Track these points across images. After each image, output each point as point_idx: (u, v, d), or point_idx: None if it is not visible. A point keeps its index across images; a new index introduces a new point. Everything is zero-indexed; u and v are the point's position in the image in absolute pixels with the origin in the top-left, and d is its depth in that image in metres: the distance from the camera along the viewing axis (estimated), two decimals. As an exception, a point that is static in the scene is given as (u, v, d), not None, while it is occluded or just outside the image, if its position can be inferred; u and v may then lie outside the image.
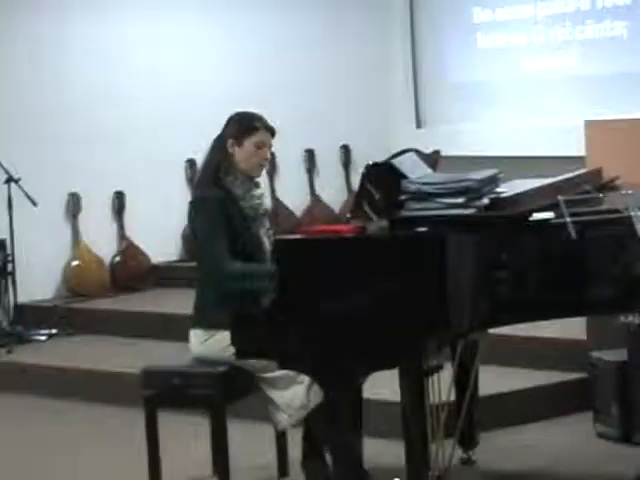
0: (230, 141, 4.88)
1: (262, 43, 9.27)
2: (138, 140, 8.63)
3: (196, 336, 4.91)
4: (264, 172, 5.34)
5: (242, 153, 4.87)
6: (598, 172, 5.10)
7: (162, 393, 4.97)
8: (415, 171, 4.73)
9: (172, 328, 6.72)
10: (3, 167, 7.87)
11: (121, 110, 8.67)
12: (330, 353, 4.41)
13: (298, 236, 4.99)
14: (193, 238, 5.51)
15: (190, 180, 8.51)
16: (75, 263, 8.52)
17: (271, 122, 4.97)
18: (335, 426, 4.54)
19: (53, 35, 8.64)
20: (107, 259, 8.67)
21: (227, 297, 4.82)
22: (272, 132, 4.98)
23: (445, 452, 4.90)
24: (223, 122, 5.02)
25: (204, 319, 4.92)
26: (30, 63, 8.56)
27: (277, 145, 5.14)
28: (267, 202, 5.86)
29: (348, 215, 5.31)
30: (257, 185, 5.11)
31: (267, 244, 4.91)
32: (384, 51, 9.90)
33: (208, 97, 8.80)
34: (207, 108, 8.16)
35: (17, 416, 6.72)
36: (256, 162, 4.95)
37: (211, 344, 4.82)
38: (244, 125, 4.95)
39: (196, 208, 4.97)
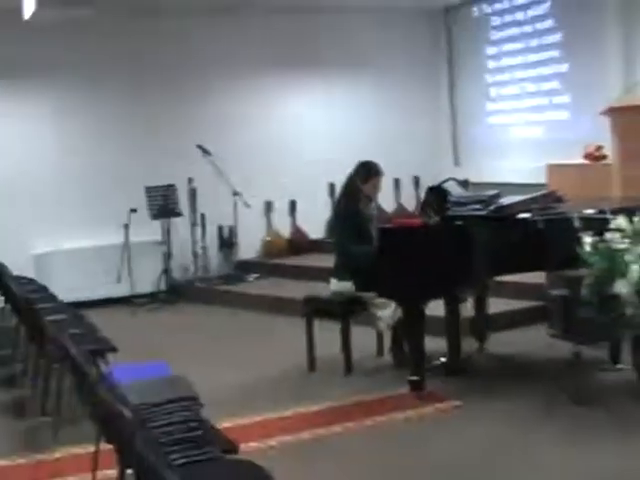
0: (358, 180, 7.35)
1: (366, 110, 12.83)
2: (306, 168, 12.07)
3: (334, 281, 7.41)
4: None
5: (366, 187, 7.36)
6: (554, 192, 7.38)
7: (315, 309, 7.59)
8: (454, 191, 7.15)
9: (321, 275, 8.40)
10: (231, 186, 11.23)
11: (304, 147, 12.33)
12: (408, 289, 6.52)
13: (390, 225, 7.39)
14: (334, 227, 8.12)
15: (330, 194, 11.73)
16: (268, 238, 12.17)
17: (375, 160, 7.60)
18: (409, 329, 6.74)
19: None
20: (285, 236, 12.13)
21: (350, 262, 7.17)
22: (382, 174, 7.47)
23: (469, 344, 7.52)
24: (350, 160, 7.67)
25: (338, 273, 7.38)
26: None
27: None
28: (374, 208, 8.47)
29: (417, 214, 7.59)
30: (371, 201, 7.67)
31: (373, 232, 7.13)
32: (435, 118, 13.33)
33: (341, 143, 12.05)
34: (341, 150, 11.18)
35: (235, 319, 10.10)
36: (373, 192, 7.52)
37: (341, 285, 7.24)
38: (367, 171, 7.43)
39: (345, 213, 7.45)
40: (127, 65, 11.45)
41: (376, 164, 7.49)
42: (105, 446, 4.15)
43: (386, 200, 11.92)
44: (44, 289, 8.91)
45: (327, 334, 7.57)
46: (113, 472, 4.28)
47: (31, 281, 9.34)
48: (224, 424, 5.38)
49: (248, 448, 5.09)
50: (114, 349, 6.29)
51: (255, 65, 12.00)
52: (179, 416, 4.20)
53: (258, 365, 7.78)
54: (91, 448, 4.69)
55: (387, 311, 7.11)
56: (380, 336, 7.67)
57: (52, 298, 8.37)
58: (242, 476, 3.82)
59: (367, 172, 7.42)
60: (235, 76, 11.94)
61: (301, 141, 12.31)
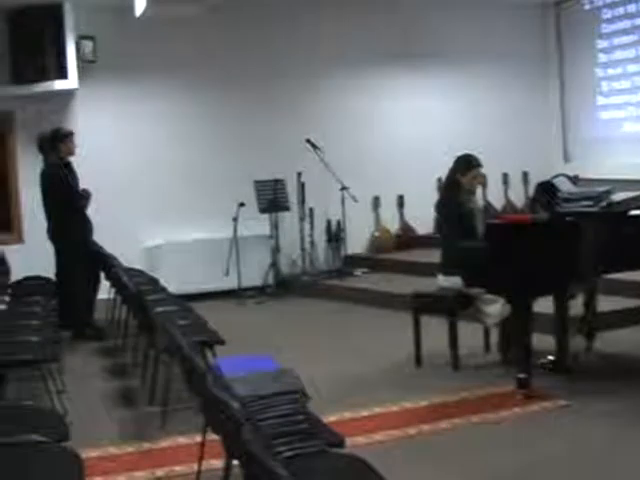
0: (458, 174, 7.37)
1: (476, 105, 12.83)
2: (414, 163, 12.19)
3: (441, 277, 7.44)
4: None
5: (466, 179, 7.35)
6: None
7: (423, 305, 7.56)
8: (564, 187, 6.99)
9: (429, 270, 8.38)
10: (339, 180, 11.21)
11: (413, 142, 12.35)
12: (516, 285, 6.43)
13: (498, 221, 7.19)
14: (439, 221, 8.25)
15: (438, 189, 11.47)
16: (376, 233, 12.14)
17: (479, 155, 7.52)
18: (517, 326, 6.61)
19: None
20: (393, 231, 12.07)
21: (456, 257, 7.13)
22: (481, 166, 7.42)
23: (578, 343, 7.38)
24: (453, 153, 7.69)
25: (445, 269, 7.39)
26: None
27: (487, 170, 7.73)
28: (480, 203, 8.51)
29: (526, 210, 7.56)
30: (473, 194, 7.62)
31: (480, 227, 7.13)
32: (544, 113, 13.17)
33: (450, 138, 11.82)
34: (450, 145, 10.70)
35: (342, 314, 10.13)
36: (474, 184, 7.48)
37: (449, 280, 7.24)
38: (466, 163, 7.42)
39: (445, 206, 7.49)
40: (237, 59, 11.57)
41: (475, 156, 7.47)
42: (212, 437, 4.18)
43: (495, 196, 11.86)
44: (154, 281, 9.08)
45: (434, 329, 7.53)
46: (219, 463, 4.31)
47: (141, 273, 9.53)
48: (330, 418, 5.39)
49: (353, 442, 5.06)
50: (222, 341, 6.33)
51: (366, 59, 12.02)
52: (285, 409, 4.19)
53: (364, 360, 7.79)
54: (198, 438, 4.77)
55: (495, 307, 7.05)
56: (487, 332, 7.62)
57: (162, 290, 8.51)
58: (348, 470, 3.81)
59: (466, 164, 7.42)
60: (345, 70, 11.97)
61: (410, 136, 12.25)
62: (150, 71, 11.27)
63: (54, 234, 9.19)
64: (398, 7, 11.97)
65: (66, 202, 9.04)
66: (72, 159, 9.26)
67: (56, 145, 9.14)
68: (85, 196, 9.19)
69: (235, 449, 3.44)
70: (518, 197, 12.56)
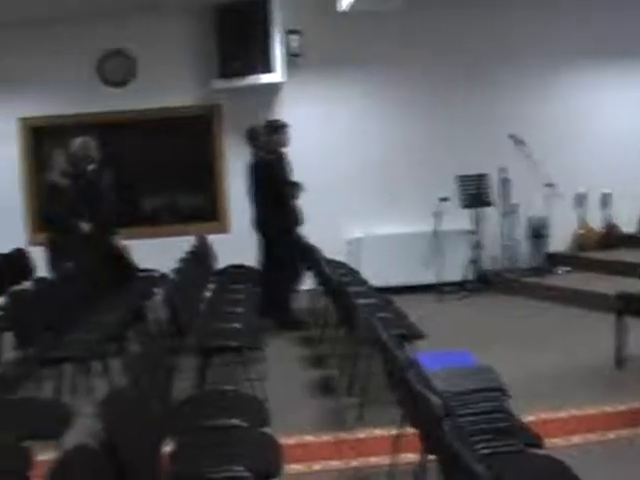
0: None
1: None
2: (622, 160, 11.62)
3: None
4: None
5: None
6: None
7: (628, 306, 7.27)
8: None
9: (634, 271, 8.45)
10: (545, 176, 11.02)
11: (620, 139, 11.76)
12: None
13: None
14: None
15: None
16: (580, 231, 11.80)
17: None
18: None
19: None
20: (598, 229, 11.70)
21: None
22: None
23: None
24: None
25: None
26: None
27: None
28: None
29: None
30: None
31: None
32: None
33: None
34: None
35: (542, 312, 9.91)
36: None
37: None
38: None
39: None
40: (438, 55, 11.48)
41: None
42: (408, 430, 4.19)
43: None
44: (355, 273, 9.16)
45: (637, 332, 7.23)
46: (414, 457, 4.32)
47: (343, 265, 9.64)
48: (528, 417, 5.31)
49: (551, 444, 4.94)
50: (421, 335, 6.33)
51: (572, 55, 11.68)
52: (484, 406, 4.16)
53: (562, 360, 7.62)
54: (394, 431, 4.78)
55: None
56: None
57: (362, 282, 8.58)
58: (546, 471, 3.75)
59: None
60: (551, 66, 11.68)
61: (617, 130, 11.86)
62: (354, 65, 11.35)
63: (261, 224, 9.41)
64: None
65: (276, 193, 9.24)
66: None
67: (271, 136, 9.37)
68: (296, 188, 9.38)
69: (433, 444, 3.45)
70: None
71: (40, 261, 9.46)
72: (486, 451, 3.71)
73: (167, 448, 4.12)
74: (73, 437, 4.57)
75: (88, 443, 3.06)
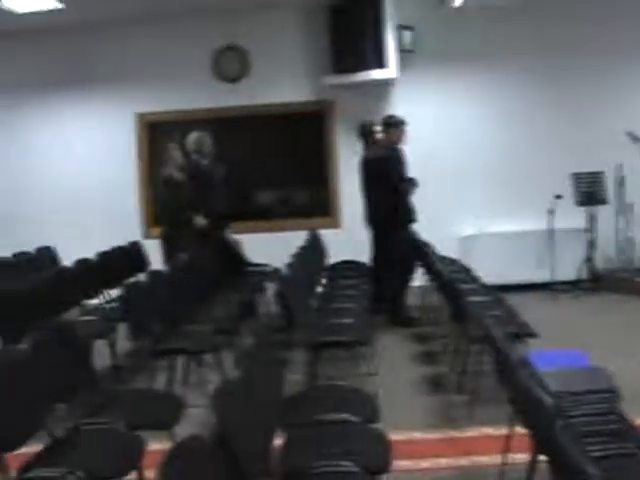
0: None
1: None
2: None
3: None
4: None
5: None
6: None
7: None
8: None
9: None
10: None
11: None
12: None
13: None
14: None
15: None
16: None
17: None
18: None
19: None
20: None
21: None
22: None
23: None
24: None
25: None
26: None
27: None
28: None
29: None
30: None
31: None
32: None
33: None
34: None
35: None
36: None
37: None
38: None
39: None
40: (552, 50, 11.26)
41: None
42: (519, 430, 4.16)
43: None
44: (467, 270, 9.10)
45: None
46: (524, 457, 4.27)
47: (455, 262, 9.59)
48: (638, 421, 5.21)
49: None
50: (533, 334, 6.26)
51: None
52: (599, 408, 4.10)
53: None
54: (504, 430, 4.75)
55: None
56: None
57: (474, 279, 8.53)
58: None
59: None
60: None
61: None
62: (467, 61, 11.26)
63: (374, 220, 9.43)
64: None
65: (391, 189, 9.24)
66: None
67: (388, 131, 9.38)
68: (411, 184, 9.38)
69: (544, 444, 3.41)
70: None
71: (155, 254, 9.65)
72: (598, 453, 3.65)
73: (278, 441, 4.17)
74: (184, 428, 4.68)
75: (201, 434, 3.12)
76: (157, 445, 4.52)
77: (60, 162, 11.92)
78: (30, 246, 10.38)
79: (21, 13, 10.25)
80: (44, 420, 4.52)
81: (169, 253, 9.26)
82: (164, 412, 4.86)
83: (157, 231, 9.96)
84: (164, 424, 4.74)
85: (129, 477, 4.16)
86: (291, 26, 11.48)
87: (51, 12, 10.31)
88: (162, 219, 9.92)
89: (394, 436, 4.55)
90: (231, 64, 11.59)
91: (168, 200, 9.51)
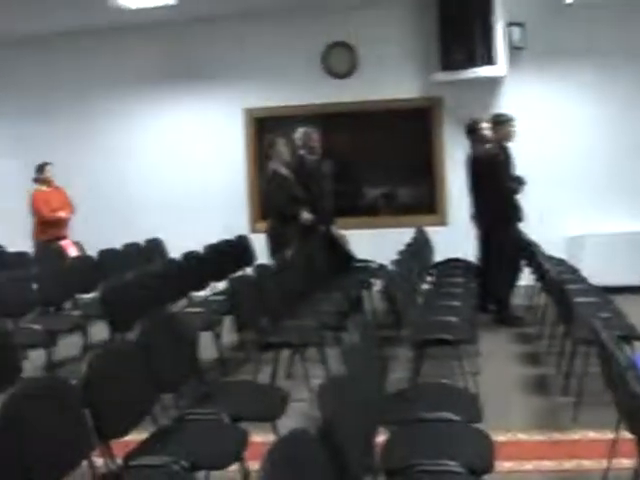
0: None
1: None
2: None
3: None
4: None
5: None
6: None
7: None
8: None
9: None
10: None
11: None
12: None
13: None
14: None
15: None
16: None
17: None
18: None
19: None
20: None
21: None
22: None
23: None
24: None
25: None
26: None
27: None
28: None
29: None
30: None
31: None
32: None
33: None
34: None
35: None
36: None
37: None
38: None
39: None
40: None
41: None
42: (625, 435, 4.10)
43: None
44: (575, 271, 8.98)
45: None
46: (630, 462, 4.21)
47: (562, 262, 9.47)
48: None
49: None
50: (642, 337, 6.16)
51: None
52: None
53: None
54: (610, 434, 4.68)
55: None
56: None
57: (582, 280, 8.41)
58: None
59: None
60: None
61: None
62: (578, 59, 11.07)
63: (481, 218, 9.36)
64: None
65: (498, 187, 9.15)
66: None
67: (496, 129, 9.30)
68: (519, 182, 9.30)
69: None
70: None
71: (262, 248, 9.74)
72: None
73: (381, 438, 4.18)
74: (287, 421, 4.72)
75: (305, 428, 3.15)
76: (260, 437, 4.57)
77: (170, 156, 12.15)
78: (140, 238, 10.62)
79: (134, 9, 10.48)
80: (150, 409, 4.63)
81: (275, 248, 9.33)
82: (268, 404, 4.91)
83: (264, 225, 10.05)
84: (268, 416, 4.79)
85: (232, 468, 4.23)
86: (400, 22, 11.48)
87: (163, 8, 10.51)
88: (268, 214, 10.00)
89: (497, 437, 4.52)
90: (340, 60, 11.64)
91: (274, 195, 9.58)
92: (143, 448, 4.26)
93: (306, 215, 9.41)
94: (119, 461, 4.12)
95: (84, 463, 3.93)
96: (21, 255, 10.21)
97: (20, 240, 10.68)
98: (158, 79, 12.07)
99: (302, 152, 9.77)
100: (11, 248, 10.68)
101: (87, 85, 12.26)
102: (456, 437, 4.15)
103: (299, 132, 9.83)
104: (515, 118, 9.45)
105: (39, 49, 12.26)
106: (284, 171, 9.56)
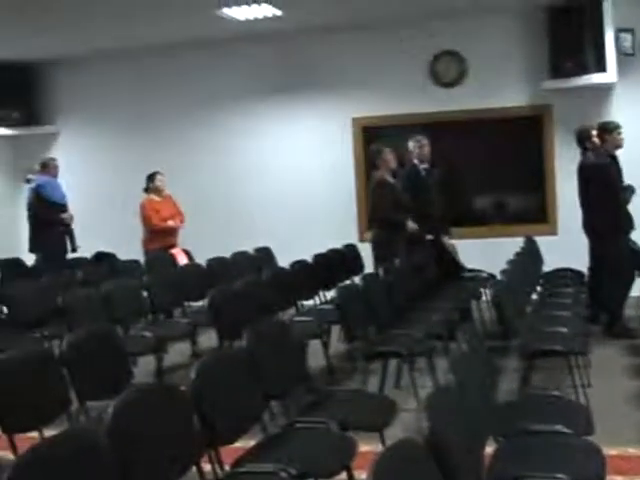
0: None
1: None
2: None
3: None
4: None
5: None
6: None
7: None
8: None
9: None
10: None
11: None
12: None
13: None
14: None
15: None
16: None
17: None
18: None
19: None
20: None
21: None
22: None
23: None
24: None
25: None
26: None
27: None
28: None
29: None
30: None
31: None
32: None
33: None
34: None
35: None
36: None
37: None
38: None
39: None
40: None
41: None
42: None
43: None
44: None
45: None
46: None
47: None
48: None
49: None
50: None
51: None
52: None
53: None
54: None
55: None
56: None
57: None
58: None
59: None
60: None
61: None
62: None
63: (592, 227, 9.17)
64: None
65: (609, 196, 8.94)
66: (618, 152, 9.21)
67: (603, 137, 9.14)
68: (630, 191, 9.12)
69: None
70: None
71: (370, 257, 9.74)
72: None
73: (489, 449, 4.14)
74: (394, 431, 4.71)
75: (412, 438, 3.13)
76: (367, 446, 4.57)
77: (280, 166, 12.25)
78: (249, 247, 10.73)
79: (242, 20, 10.59)
80: (259, 416, 4.66)
81: (379, 256, 9.32)
82: (376, 414, 4.91)
83: (369, 235, 10.05)
84: (376, 426, 4.78)
85: (339, 477, 4.23)
86: (508, 31, 11.37)
87: (270, 19, 10.61)
88: (372, 223, 9.99)
89: (608, 450, 4.43)
90: (448, 69, 11.61)
91: (379, 203, 9.56)
92: (251, 455, 4.29)
93: (411, 224, 9.37)
94: (227, 468, 4.17)
95: (193, 469, 3.99)
96: (132, 263, 10.45)
97: (131, 248, 10.90)
98: (269, 90, 12.17)
99: (415, 161, 9.76)
100: (122, 256, 10.93)
101: (198, 97, 12.47)
102: (566, 450, 4.07)
103: (412, 141, 9.82)
104: (622, 125, 9.25)
105: (162, 59, 12.56)
106: (390, 179, 9.56)
